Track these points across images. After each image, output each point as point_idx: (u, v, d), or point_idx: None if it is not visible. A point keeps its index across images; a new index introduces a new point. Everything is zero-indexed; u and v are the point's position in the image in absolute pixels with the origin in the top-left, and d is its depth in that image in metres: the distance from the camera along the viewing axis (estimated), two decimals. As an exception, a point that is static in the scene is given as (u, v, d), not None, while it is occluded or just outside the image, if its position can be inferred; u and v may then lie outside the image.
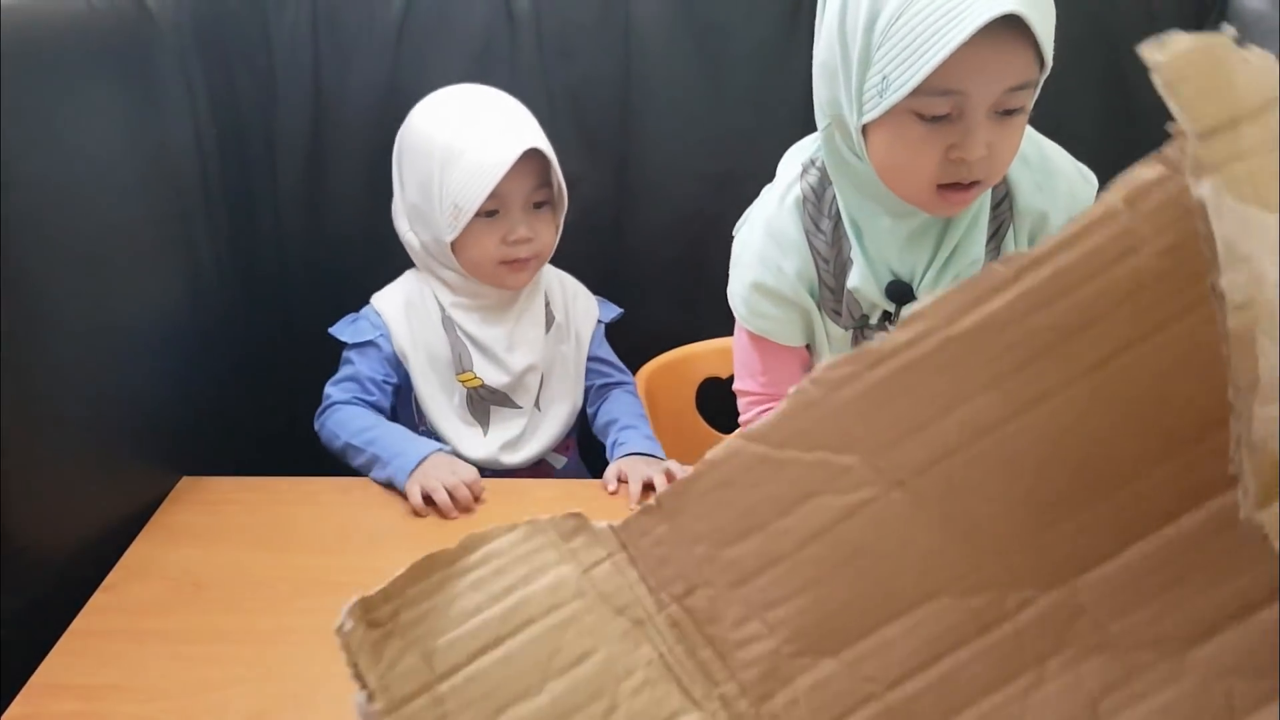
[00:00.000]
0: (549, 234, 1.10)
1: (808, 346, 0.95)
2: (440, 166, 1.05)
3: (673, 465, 1.05)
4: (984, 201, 0.85)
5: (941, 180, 0.79)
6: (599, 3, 1.21)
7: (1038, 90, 0.79)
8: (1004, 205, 0.87)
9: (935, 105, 0.76)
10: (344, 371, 1.13)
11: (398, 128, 1.23)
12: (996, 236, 0.87)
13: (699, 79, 1.24)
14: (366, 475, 1.05)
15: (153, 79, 1.07)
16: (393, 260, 1.26)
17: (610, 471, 1.06)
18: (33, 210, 0.86)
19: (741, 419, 1.01)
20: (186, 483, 1.06)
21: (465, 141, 1.04)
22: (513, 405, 1.14)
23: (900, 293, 0.87)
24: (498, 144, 1.03)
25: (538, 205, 1.08)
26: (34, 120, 0.88)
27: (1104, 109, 1.20)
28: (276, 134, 1.23)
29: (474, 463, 1.06)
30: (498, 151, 1.03)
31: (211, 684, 0.77)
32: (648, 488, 1.02)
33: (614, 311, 1.22)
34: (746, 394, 0.99)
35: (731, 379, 1.11)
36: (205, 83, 1.14)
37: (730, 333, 1.12)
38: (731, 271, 0.96)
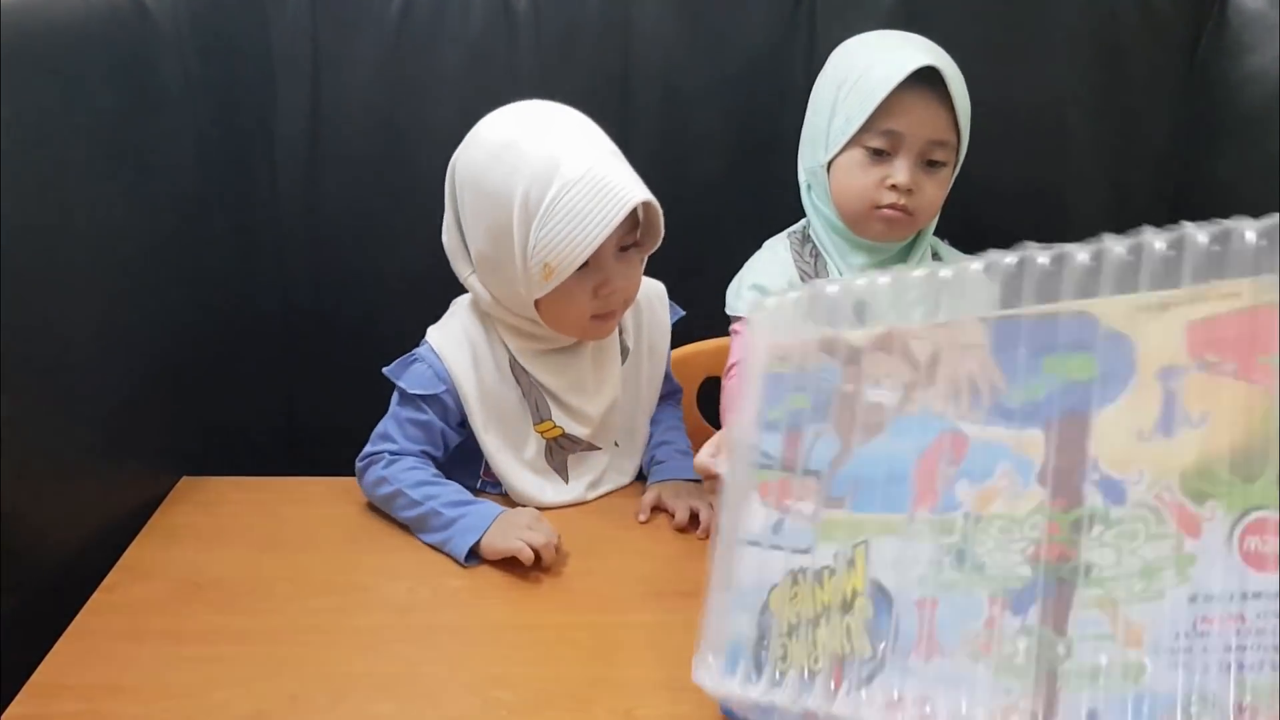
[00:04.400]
0: (638, 277, 0.99)
1: None
2: (523, 219, 0.90)
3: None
4: (926, 250, 1.12)
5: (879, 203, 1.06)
6: (599, 3, 1.21)
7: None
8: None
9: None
10: (408, 415, 1.00)
11: (398, 127, 1.23)
12: None
13: (699, 79, 1.24)
14: (416, 531, 0.97)
15: (153, 79, 1.07)
16: (392, 260, 1.27)
17: (648, 498, 1.02)
18: (32, 210, 0.86)
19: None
20: (186, 483, 1.06)
21: (563, 195, 0.89)
22: (594, 448, 1.05)
23: None
24: (604, 199, 0.89)
25: (623, 248, 0.95)
26: (34, 120, 0.88)
27: (1104, 107, 1.20)
28: (276, 134, 1.23)
29: (545, 506, 1.00)
30: (604, 208, 0.89)
31: (211, 684, 0.77)
32: (693, 517, 0.99)
33: (678, 314, 1.12)
34: None
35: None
36: (205, 83, 1.14)
37: (729, 332, 1.13)
38: (729, 300, 1.14)
